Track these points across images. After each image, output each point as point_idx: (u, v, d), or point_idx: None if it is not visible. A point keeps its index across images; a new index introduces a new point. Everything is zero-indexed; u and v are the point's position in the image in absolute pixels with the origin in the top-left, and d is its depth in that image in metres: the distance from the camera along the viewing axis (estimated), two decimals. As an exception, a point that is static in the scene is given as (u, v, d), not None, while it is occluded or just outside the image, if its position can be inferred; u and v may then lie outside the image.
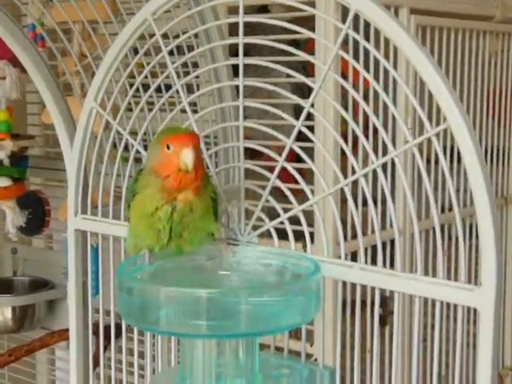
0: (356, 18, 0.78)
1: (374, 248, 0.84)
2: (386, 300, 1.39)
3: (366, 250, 0.81)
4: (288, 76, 0.87)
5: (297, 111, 1.35)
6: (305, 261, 0.80)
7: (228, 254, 0.85)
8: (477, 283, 0.72)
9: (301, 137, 0.86)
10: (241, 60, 0.86)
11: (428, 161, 1.31)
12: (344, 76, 1.07)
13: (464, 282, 0.73)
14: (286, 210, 0.87)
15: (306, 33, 0.84)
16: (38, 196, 1.69)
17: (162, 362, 1.03)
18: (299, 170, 0.88)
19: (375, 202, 0.99)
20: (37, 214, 1.65)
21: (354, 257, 0.83)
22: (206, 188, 0.82)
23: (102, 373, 1.07)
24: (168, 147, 0.77)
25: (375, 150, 0.80)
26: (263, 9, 1.52)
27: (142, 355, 1.04)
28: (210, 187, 0.84)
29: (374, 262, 0.81)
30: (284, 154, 0.85)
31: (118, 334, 1.04)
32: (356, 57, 1.09)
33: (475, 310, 0.72)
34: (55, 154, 1.83)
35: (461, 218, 0.73)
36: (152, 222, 0.81)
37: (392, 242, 1.35)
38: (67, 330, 1.13)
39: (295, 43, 1.42)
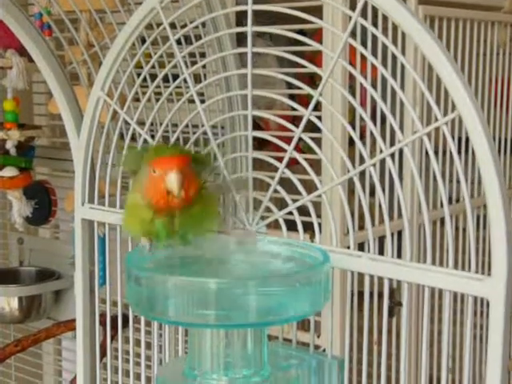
0: (363, 9, 0.77)
1: (380, 240, 0.84)
2: (393, 291, 1.39)
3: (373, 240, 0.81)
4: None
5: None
6: (314, 251, 0.80)
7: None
8: (483, 274, 0.72)
9: (307, 127, 0.86)
10: (249, 49, 0.85)
11: (435, 151, 1.31)
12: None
13: (473, 272, 0.73)
14: (292, 201, 0.87)
15: (315, 21, 0.83)
16: (45, 186, 1.69)
17: (169, 352, 1.03)
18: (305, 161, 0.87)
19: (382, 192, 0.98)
20: (43, 204, 1.64)
21: (359, 248, 0.83)
22: (203, 193, 0.80)
23: (109, 363, 1.07)
24: (154, 171, 0.76)
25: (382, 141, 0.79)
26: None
27: (149, 346, 1.03)
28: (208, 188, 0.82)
29: (380, 253, 0.80)
30: (292, 144, 0.85)
31: (125, 325, 1.04)
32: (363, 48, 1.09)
33: (482, 302, 0.72)
34: (61, 144, 1.83)
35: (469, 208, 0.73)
36: (148, 227, 0.79)
37: (398, 233, 1.35)
38: (74, 320, 1.12)
39: (302, 34, 1.41)
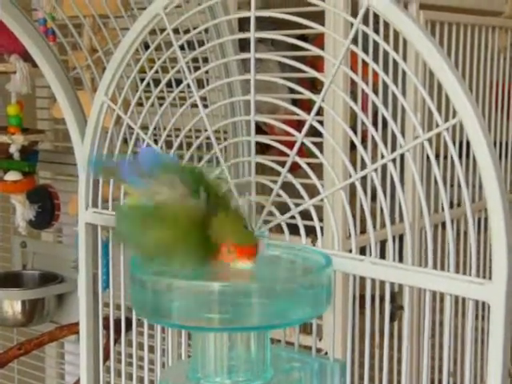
0: (365, 15, 0.78)
1: (381, 243, 0.84)
2: (395, 295, 1.39)
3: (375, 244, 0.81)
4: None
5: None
6: (316, 254, 0.80)
7: None
8: (484, 278, 0.73)
9: (309, 131, 0.87)
10: (252, 55, 0.86)
11: (437, 156, 1.32)
12: (352, 72, 1.07)
13: (474, 276, 0.73)
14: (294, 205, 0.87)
15: (316, 27, 0.84)
16: (48, 190, 1.69)
17: (173, 356, 1.04)
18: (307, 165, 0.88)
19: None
20: (46, 208, 1.65)
21: (361, 252, 0.83)
22: None
23: (113, 366, 1.07)
24: (230, 251, 0.75)
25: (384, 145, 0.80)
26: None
27: (152, 349, 1.04)
28: None
29: (381, 256, 0.81)
30: (295, 149, 0.85)
31: (128, 328, 1.04)
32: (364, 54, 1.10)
33: (483, 306, 0.73)
34: (64, 148, 1.84)
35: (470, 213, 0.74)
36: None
37: (400, 236, 1.36)
38: (77, 323, 1.13)
39: (303, 39, 1.42)
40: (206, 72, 0.99)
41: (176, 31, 0.95)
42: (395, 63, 0.79)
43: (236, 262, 0.76)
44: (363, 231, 0.99)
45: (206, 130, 0.93)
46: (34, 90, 1.77)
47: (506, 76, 1.67)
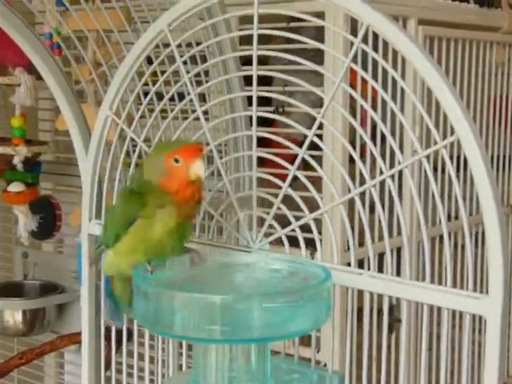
0: (364, 33, 0.79)
1: (379, 256, 0.85)
2: (392, 308, 1.40)
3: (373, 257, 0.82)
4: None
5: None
6: (315, 268, 0.82)
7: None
8: (482, 291, 0.74)
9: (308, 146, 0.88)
10: (254, 70, 0.87)
11: (435, 169, 1.33)
12: (351, 87, 1.08)
13: (471, 291, 0.75)
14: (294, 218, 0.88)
15: (316, 44, 0.85)
16: (50, 201, 1.71)
17: (173, 367, 1.05)
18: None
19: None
20: (48, 219, 1.66)
21: (359, 263, 0.85)
22: None
23: (114, 377, 1.08)
24: (176, 160, 0.78)
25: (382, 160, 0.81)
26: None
27: (152, 360, 1.05)
28: None
29: (379, 268, 0.82)
30: (296, 164, 0.87)
31: (129, 339, 1.05)
32: (363, 68, 1.11)
33: (480, 319, 0.74)
34: (66, 159, 1.85)
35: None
36: (160, 243, 0.82)
37: (398, 249, 1.37)
38: (77, 333, 1.14)
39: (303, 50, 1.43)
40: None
41: (178, 45, 0.96)
42: (394, 78, 0.80)
43: (191, 169, 0.76)
44: (362, 243, 1.00)
45: (207, 144, 0.94)
46: (37, 102, 1.78)
47: (503, 90, 1.69)
